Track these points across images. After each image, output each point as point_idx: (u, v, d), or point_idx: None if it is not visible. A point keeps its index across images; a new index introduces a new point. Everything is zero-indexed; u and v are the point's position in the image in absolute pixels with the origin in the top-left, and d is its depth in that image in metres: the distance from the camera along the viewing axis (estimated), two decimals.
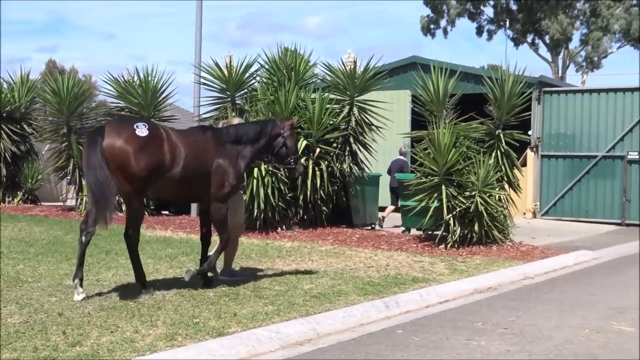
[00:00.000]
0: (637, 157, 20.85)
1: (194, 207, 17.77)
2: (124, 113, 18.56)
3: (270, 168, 14.58)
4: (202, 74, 17.23)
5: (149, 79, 18.21)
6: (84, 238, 8.58)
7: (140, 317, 7.62)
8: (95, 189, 8.38)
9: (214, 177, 9.27)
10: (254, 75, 17.16)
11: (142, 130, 8.60)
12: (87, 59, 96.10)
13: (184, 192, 9.52)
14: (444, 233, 14.12)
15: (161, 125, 9.44)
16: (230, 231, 9.73)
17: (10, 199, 21.19)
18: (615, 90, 21.58)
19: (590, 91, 22.22)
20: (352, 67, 16.16)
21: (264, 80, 17.05)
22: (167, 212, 18.88)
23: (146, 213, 17.80)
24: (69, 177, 19.59)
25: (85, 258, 8.76)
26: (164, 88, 18.48)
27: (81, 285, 8.50)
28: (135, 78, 18.49)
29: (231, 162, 9.39)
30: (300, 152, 13.69)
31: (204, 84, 17.37)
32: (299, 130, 15.09)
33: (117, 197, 9.25)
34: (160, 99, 18.59)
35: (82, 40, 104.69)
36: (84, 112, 19.79)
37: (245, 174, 10.52)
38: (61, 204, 21.63)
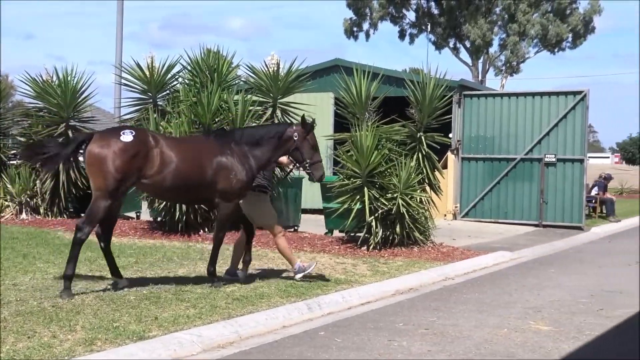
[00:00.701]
0: (554, 159, 21.33)
1: None
2: (42, 114, 18.20)
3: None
4: (123, 74, 16.98)
5: (69, 79, 17.85)
6: (101, 244, 9.58)
7: (58, 322, 7.47)
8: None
9: (219, 176, 9.55)
10: (176, 77, 16.99)
11: (127, 137, 9.04)
12: (4, 59, 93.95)
13: (187, 195, 9.98)
14: (366, 235, 14.21)
15: (153, 132, 9.93)
16: (274, 232, 10.47)
17: None
18: (533, 95, 22.01)
19: (509, 95, 22.62)
20: (275, 69, 16.13)
21: (187, 81, 16.87)
22: None
23: (65, 216, 17.59)
24: None
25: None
26: (83, 88, 18.13)
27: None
28: (54, 78, 18.12)
29: (238, 160, 9.68)
30: None
31: (125, 84, 17.13)
32: None
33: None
34: (80, 99, 18.23)
35: None
36: (0, 112, 19.32)
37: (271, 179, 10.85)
38: None
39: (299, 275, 10.41)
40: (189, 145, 9.82)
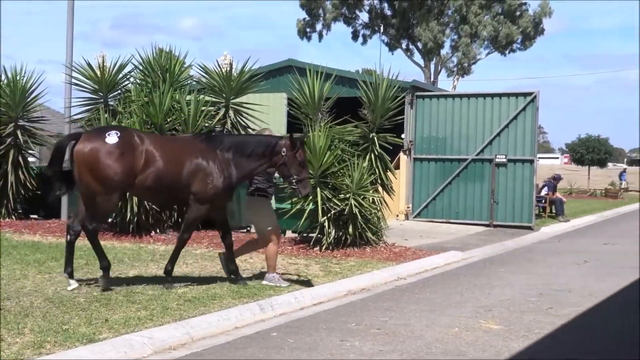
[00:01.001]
0: (505, 160, 21.56)
1: (64, 210, 17.29)
2: None
3: None
4: (74, 74, 16.76)
5: (17, 78, 17.61)
6: (69, 237, 9.58)
7: (6, 325, 7.35)
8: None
9: (195, 178, 9.56)
10: (128, 76, 16.82)
11: (112, 138, 9.21)
12: None
13: (164, 196, 9.95)
14: (319, 235, 14.23)
15: (138, 131, 10.19)
16: (269, 238, 10.33)
17: None
18: (484, 96, 22.21)
19: (461, 96, 22.82)
20: (228, 69, 16.07)
21: (138, 81, 16.74)
22: (35, 216, 18.31)
23: (14, 217, 17.34)
24: None
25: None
26: (33, 88, 17.91)
27: (72, 277, 9.47)
28: (3, 77, 17.86)
29: (219, 167, 9.64)
30: None
31: (76, 84, 16.91)
32: (173, 133, 14.98)
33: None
34: (29, 99, 18.01)
35: None
36: None
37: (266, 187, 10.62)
38: None
39: (264, 282, 10.35)
40: (172, 146, 9.84)
